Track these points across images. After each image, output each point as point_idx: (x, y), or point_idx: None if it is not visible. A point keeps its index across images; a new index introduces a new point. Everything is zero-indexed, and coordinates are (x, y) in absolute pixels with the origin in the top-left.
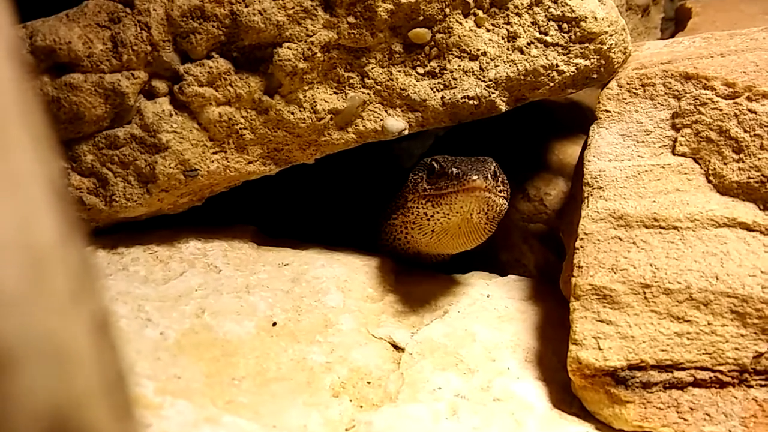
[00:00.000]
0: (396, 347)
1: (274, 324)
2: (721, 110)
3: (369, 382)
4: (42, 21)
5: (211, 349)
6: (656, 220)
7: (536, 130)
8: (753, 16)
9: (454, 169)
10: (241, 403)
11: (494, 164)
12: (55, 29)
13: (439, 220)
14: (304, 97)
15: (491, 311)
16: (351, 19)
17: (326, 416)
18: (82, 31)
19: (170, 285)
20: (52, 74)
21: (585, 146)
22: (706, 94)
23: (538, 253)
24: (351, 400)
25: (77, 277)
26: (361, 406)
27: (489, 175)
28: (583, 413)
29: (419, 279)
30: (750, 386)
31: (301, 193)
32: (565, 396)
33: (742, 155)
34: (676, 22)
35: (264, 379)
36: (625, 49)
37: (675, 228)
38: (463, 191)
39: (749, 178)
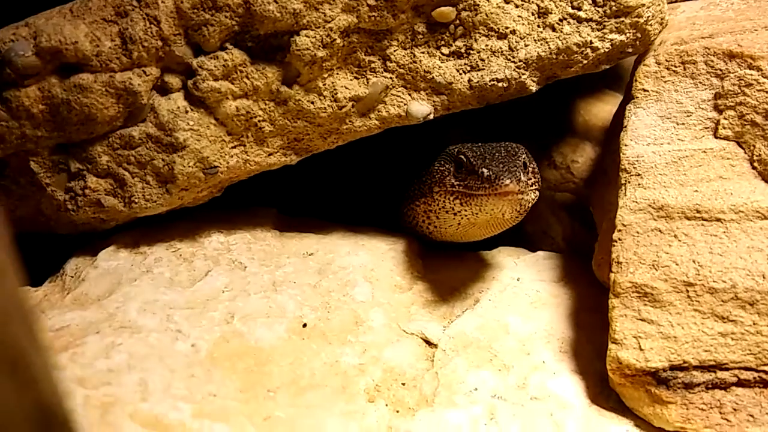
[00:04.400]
0: (428, 343)
1: (305, 325)
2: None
3: (404, 384)
4: (45, 18)
5: (244, 358)
6: (698, 211)
7: (557, 86)
8: None
9: (485, 170)
10: (278, 418)
11: (524, 154)
12: (59, 28)
13: (466, 215)
14: (324, 85)
15: (522, 297)
16: (371, 2)
17: (364, 426)
18: (88, 28)
19: (196, 288)
20: (60, 75)
21: (616, 115)
22: (751, 74)
23: (566, 224)
24: (387, 405)
25: None
26: (398, 411)
27: (521, 175)
28: (621, 408)
29: (447, 262)
30: None
31: (322, 170)
32: (602, 389)
33: None
34: None
35: (298, 387)
36: (662, 19)
37: (718, 220)
38: (495, 195)
39: None
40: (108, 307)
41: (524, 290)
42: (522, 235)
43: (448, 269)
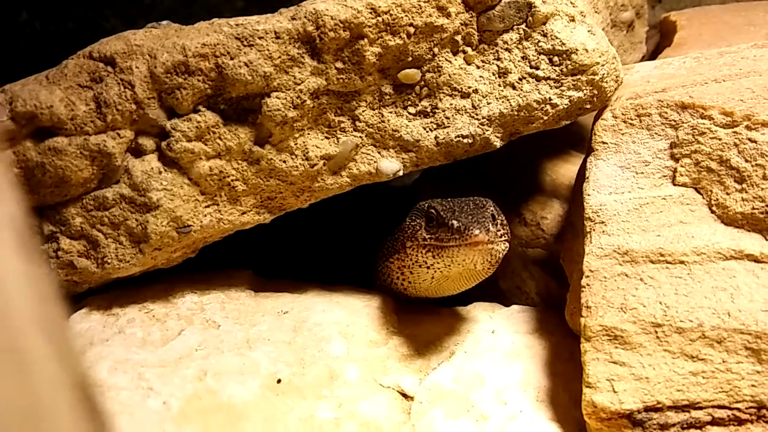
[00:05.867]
0: (405, 396)
1: (279, 381)
2: (720, 140)
3: None
4: (21, 84)
5: (216, 415)
6: (662, 255)
7: (525, 148)
8: (738, 28)
9: (455, 222)
10: None
11: (492, 207)
12: (35, 93)
13: (439, 268)
14: (296, 144)
15: (498, 349)
16: (339, 65)
17: None
18: (63, 93)
19: (169, 347)
20: (35, 139)
21: (580, 169)
22: (704, 123)
23: (539, 279)
24: None
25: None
26: None
27: (490, 225)
28: None
29: (422, 318)
30: None
31: (295, 228)
32: None
33: (744, 185)
34: (661, 35)
35: None
36: (617, 77)
37: (682, 262)
38: (466, 245)
39: (753, 208)
40: None
41: (499, 342)
42: (496, 292)
43: (424, 324)
